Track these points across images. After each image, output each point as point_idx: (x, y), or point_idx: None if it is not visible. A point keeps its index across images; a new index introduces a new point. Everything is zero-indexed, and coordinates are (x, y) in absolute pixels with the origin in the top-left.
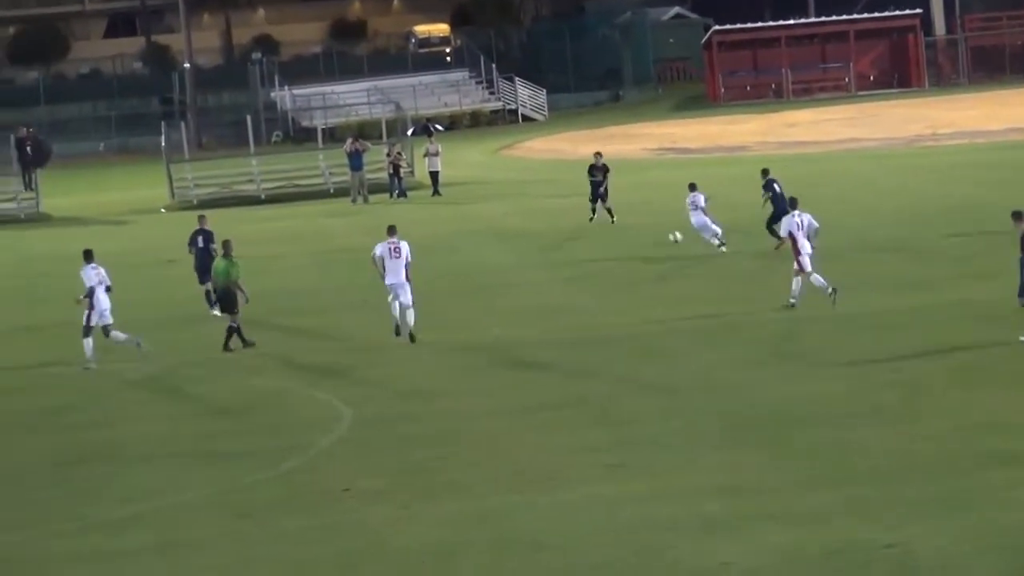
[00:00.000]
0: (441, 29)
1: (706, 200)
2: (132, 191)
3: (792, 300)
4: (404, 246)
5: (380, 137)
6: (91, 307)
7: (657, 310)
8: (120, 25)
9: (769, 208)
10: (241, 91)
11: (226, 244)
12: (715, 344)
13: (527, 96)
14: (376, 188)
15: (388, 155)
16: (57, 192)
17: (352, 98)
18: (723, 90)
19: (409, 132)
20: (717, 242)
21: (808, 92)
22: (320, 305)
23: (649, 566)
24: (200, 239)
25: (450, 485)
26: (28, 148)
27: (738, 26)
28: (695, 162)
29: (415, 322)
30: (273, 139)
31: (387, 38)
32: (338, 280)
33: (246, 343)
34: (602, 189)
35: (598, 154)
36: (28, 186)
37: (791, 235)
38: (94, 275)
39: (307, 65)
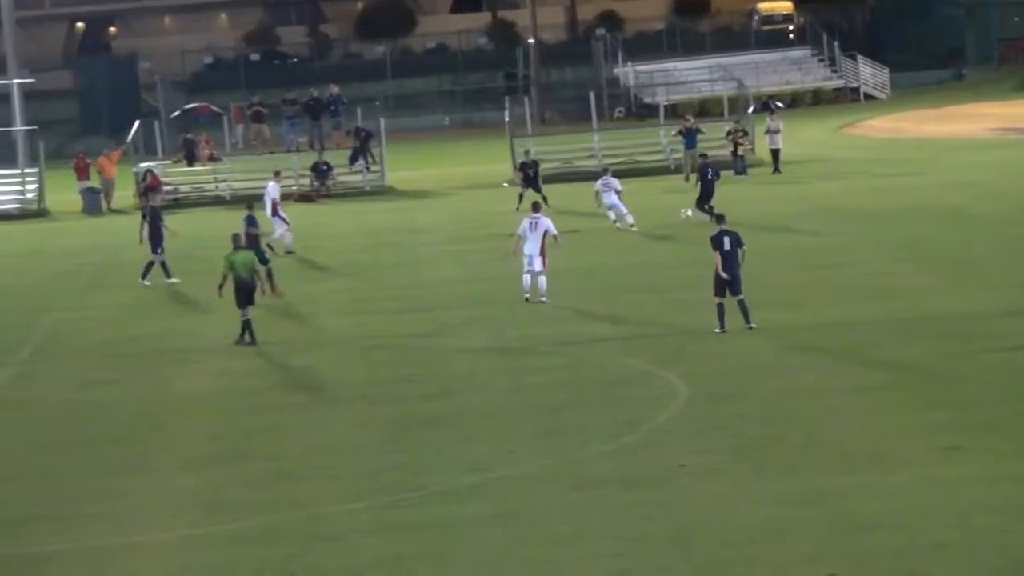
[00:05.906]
0: (784, 7)
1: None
2: (475, 165)
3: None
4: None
5: (722, 114)
6: None
7: (993, 292)
8: (466, 1)
9: None
10: (584, 67)
11: (236, 237)
12: None
13: (869, 74)
14: (718, 165)
15: (729, 133)
16: (402, 165)
17: (694, 75)
18: None
19: (750, 110)
20: (631, 221)
21: None
22: (654, 283)
23: (983, 548)
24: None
25: (783, 464)
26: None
27: None
28: None
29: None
30: (615, 115)
31: (730, 15)
32: (666, 256)
33: (252, 340)
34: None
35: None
36: (369, 161)
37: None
38: None
39: (650, 41)
